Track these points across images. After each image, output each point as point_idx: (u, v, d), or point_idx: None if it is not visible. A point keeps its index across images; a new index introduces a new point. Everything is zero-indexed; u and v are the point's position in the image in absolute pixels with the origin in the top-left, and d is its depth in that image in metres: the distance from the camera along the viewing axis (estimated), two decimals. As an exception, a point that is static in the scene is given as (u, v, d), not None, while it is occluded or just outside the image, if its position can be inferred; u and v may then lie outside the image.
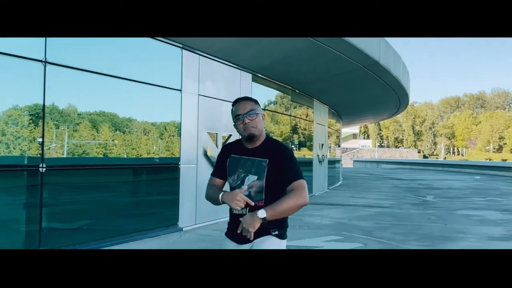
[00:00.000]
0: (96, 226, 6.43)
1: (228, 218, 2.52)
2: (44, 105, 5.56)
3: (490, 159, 77.19)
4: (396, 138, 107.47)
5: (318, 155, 15.26)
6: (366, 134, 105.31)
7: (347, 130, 73.81)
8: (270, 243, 2.35)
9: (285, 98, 12.74)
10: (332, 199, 13.29)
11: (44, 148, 5.68)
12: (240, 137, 2.49)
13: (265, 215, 2.16)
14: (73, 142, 6.45)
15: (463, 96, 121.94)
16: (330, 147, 18.30)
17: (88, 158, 6.67)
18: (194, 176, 7.84)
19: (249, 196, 2.35)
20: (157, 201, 7.76)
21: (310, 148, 14.80)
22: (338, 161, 22.14)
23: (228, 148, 2.55)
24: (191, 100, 7.87)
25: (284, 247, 2.41)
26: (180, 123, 7.73)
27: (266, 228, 2.34)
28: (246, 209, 2.35)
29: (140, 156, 7.48)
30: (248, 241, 2.35)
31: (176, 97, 7.63)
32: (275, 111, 12.29)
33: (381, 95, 15.16)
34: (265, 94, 11.56)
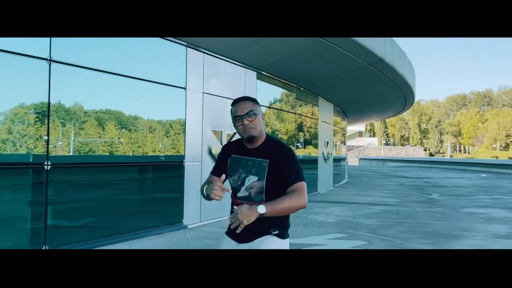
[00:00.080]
0: (101, 223, 6.46)
1: None
2: (49, 103, 5.58)
3: (496, 157, 76.77)
4: (402, 136, 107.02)
5: (323, 153, 15.23)
6: (372, 132, 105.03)
7: (352, 128, 73.62)
8: (271, 242, 2.32)
9: (290, 96, 12.72)
10: (337, 197, 13.27)
11: (51, 146, 5.71)
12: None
13: (265, 211, 2.12)
14: (79, 140, 6.48)
15: (470, 93, 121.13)
16: (335, 145, 18.26)
17: (94, 156, 6.70)
18: (199, 174, 7.85)
19: (249, 196, 2.33)
20: (162, 198, 7.78)
21: (316, 146, 14.76)
22: (344, 159, 22.09)
23: (229, 148, 2.53)
24: (195, 98, 7.88)
25: (286, 247, 2.39)
26: (185, 121, 7.74)
27: (266, 228, 2.33)
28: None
29: (146, 154, 7.51)
30: (248, 240, 2.34)
31: (181, 95, 7.64)
32: (280, 109, 12.27)
33: (387, 93, 15.10)
34: (270, 92, 11.55)
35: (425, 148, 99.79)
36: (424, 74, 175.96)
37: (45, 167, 5.47)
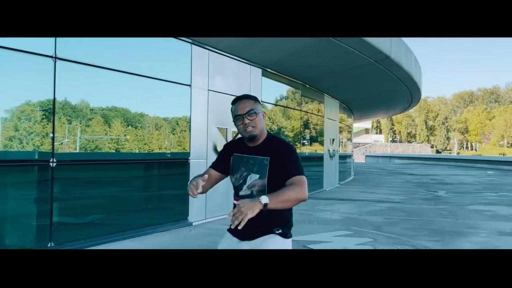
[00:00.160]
0: (107, 220, 6.48)
1: None
2: (54, 100, 5.60)
3: (504, 154, 76.24)
4: (408, 133, 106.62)
5: (329, 150, 15.19)
6: (378, 129, 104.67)
7: (359, 125, 73.40)
8: (274, 242, 2.30)
9: (296, 93, 12.69)
10: (342, 194, 13.24)
11: (57, 143, 5.73)
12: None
13: (267, 201, 2.05)
14: (85, 137, 6.50)
15: (477, 90, 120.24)
16: (341, 142, 18.21)
17: (100, 153, 6.72)
18: (204, 171, 7.84)
19: (251, 195, 2.31)
20: (168, 196, 7.79)
21: (321, 143, 14.73)
22: (350, 156, 22.03)
23: (231, 147, 2.51)
24: (200, 95, 7.88)
25: (289, 246, 2.37)
26: (190, 118, 7.74)
27: (269, 227, 2.32)
28: None
29: (152, 151, 7.52)
30: (250, 238, 2.33)
31: (187, 92, 7.64)
32: (286, 106, 12.25)
33: (393, 90, 15.03)
34: (275, 89, 11.52)
35: (432, 145, 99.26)
36: (430, 71, 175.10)
37: (51, 164, 5.49)
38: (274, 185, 2.26)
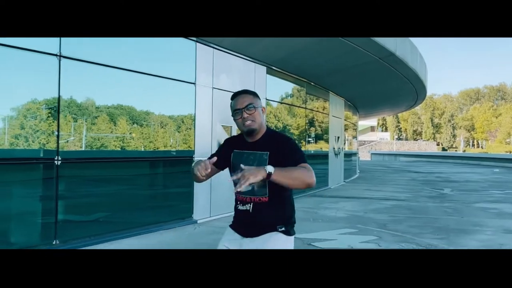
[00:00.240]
0: (112, 218, 6.50)
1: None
2: (59, 98, 5.61)
3: (510, 152, 75.74)
4: (414, 131, 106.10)
5: (334, 148, 15.16)
6: (384, 127, 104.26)
7: (364, 123, 73.11)
8: (277, 239, 2.29)
9: (301, 91, 12.67)
10: (348, 192, 13.21)
11: (63, 141, 5.76)
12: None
13: (273, 171, 2.03)
14: (91, 135, 6.52)
15: (483, 87, 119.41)
16: (346, 140, 18.17)
17: (106, 151, 6.74)
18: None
19: (252, 190, 2.30)
20: (173, 193, 7.81)
21: (326, 141, 14.70)
22: (355, 154, 21.98)
23: (232, 142, 2.49)
24: (205, 93, 7.88)
25: (291, 243, 2.35)
26: (194, 116, 7.74)
27: (272, 224, 2.31)
28: (250, 204, 2.32)
29: (157, 149, 7.54)
30: (253, 235, 2.32)
31: (192, 90, 7.65)
32: (291, 104, 12.24)
33: (398, 87, 14.97)
34: (280, 87, 11.51)
35: (438, 142, 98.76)
36: (436, 68, 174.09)
37: (55, 162, 5.51)
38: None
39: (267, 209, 2.31)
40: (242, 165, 2.09)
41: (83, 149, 6.34)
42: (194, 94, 7.67)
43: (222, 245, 2.41)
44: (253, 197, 2.32)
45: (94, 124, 6.49)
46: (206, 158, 2.26)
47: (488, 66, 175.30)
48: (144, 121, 7.36)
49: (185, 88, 7.60)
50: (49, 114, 5.64)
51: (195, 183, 7.46)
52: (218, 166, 2.43)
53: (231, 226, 2.47)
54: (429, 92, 18.83)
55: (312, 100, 13.46)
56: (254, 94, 2.39)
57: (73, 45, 5.67)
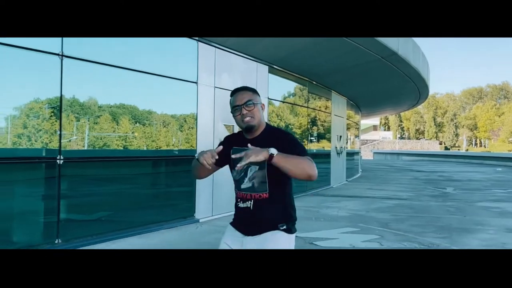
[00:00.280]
0: (114, 217, 6.51)
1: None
2: (61, 97, 5.62)
3: (513, 151, 75.46)
4: (417, 130, 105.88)
5: (336, 147, 15.14)
6: (386, 126, 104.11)
7: (367, 122, 73.00)
8: (279, 237, 2.28)
9: (304, 90, 12.66)
10: (350, 191, 13.20)
11: (65, 140, 5.76)
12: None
13: (276, 153, 2.04)
14: (93, 134, 6.53)
15: (486, 86, 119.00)
16: (349, 139, 18.14)
17: (108, 150, 6.74)
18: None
19: (252, 187, 2.30)
20: (175, 192, 7.82)
21: (329, 140, 14.67)
22: (357, 153, 21.95)
23: (231, 140, 2.48)
24: (207, 93, 7.88)
25: (292, 241, 2.34)
26: (196, 115, 7.74)
27: (274, 222, 2.30)
28: (251, 201, 2.31)
29: (160, 148, 7.54)
30: (254, 233, 2.32)
31: (194, 89, 7.65)
32: (293, 103, 12.23)
33: (400, 86, 14.94)
34: (282, 86, 11.49)
35: (440, 141, 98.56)
36: (438, 67, 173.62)
37: (58, 161, 5.52)
38: (275, 175, 2.24)
39: (267, 206, 2.30)
40: (249, 144, 2.11)
41: (85, 148, 6.35)
42: (196, 93, 7.67)
43: (224, 244, 2.40)
44: (253, 194, 2.31)
45: (96, 123, 6.50)
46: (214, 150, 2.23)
47: (491, 65, 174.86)
48: (147, 120, 7.37)
49: (187, 87, 7.60)
50: (52, 114, 5.64)
51: (197, 182, 7.48)
52: (218, 164, 2.41)
53: (231, 223, 2.46)
54: (431, 91, 18.79)
55: (314, 99, 13.44)
56: (253, 91, 2.38)
57: (75, 44, 5.67)
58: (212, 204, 7.88)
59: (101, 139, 6.71)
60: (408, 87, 15.21)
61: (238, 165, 2.04)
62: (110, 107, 6.83)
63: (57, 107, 5.60)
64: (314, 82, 12.79)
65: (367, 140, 77.29)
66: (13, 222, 5.36)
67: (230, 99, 2.38)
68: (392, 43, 9.66)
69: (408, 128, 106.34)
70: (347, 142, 17.31)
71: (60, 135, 5.58)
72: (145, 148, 7.37)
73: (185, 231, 6.88)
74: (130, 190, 6.96)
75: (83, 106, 6.28)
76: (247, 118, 2.30)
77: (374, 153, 58.54)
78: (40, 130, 5.63)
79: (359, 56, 9.93)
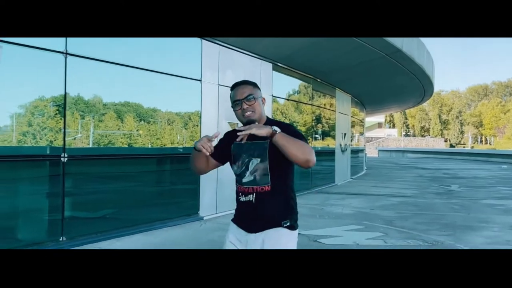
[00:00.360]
0: (119, 215, 6.51)
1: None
2: (65, 95, 5.61)
3: (519, 148, 75.04)
4: (422, 127, 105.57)
5: (340, 145, 15.09)
6: (391, 123, 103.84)
7: (372, 119, 72.87)
8: (281, 235, 2.25)
9: (308, 88, 12.62)
10: (354, 189, 13.16)
11: (70, 138, 5.77)
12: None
13: (279, 131, 2.07)
14: (98, 132, 6.54)
15: (491, 83, 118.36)
16: (353, 136, 18.08)
17: (113, 148, 6.75)
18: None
19: (254, 180, 2.27)
20: (179, 190, 7.81)
21: (333, 137, 14.64)
22: (362, 150, 21.87)
23: (230, 135, 2.41)
24: (211, 90, 7.85)
25: (295, 238, 2.32)
26: (200, 113, 7.72)
27: (275, 218, 2.28)
28: (253, 194, 2.28)
29: (164, 146, 7.54)
30: (257, 230, 2.29)
31: (198, 87, 7.63)
32: (298, 101, 12.19)
33: (405, 84, 14.87)
34: (286, 83, 11.46)
35: (446, 139, 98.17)
36: (443, 64, 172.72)
37: (62, 159, 5.52)
38: (276, 167, 2.22)
39: (269, 198, 2.26)
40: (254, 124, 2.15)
41: (90, 146, 6.36)
42: (200, 91, 7.65)
43: (228, 242, 2.36)
44: (255, 187, 2.27)
45: (101, 121, 6.51)
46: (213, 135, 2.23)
47: (496, 62, 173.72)
48: (151, 118, 7.37)
49: (192, 85, 7.58)
50: (57, 111, 5.64)
51: (201, 180, 7.47)
52: (219, 160, 2.39)
53: (233, 220, 2.41)
54: (436, 88, 18.69)
55: (319, 97, 13.39)
56: (254, 84, 2.36)
57: (79, 42, 5.66)
58: (216, 202, 7.87)
59: (106, 137, 6.72)
60: (413, 85, 15.13)
61: (239, 133, 2.07)
62: (115, 105, 6.84)
63: (62, 105, 5.60)
64: (318, 80, 12.74)
65: (372, 137, 77.13)
66: (18, 220, 5.37)
67: (231, 93, 2.35)
68: (397, 40, 9.60)
69: (413, 126, 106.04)
70: (351, 140, 17.25)
71: (64, 133, 5.58)
72: (149, 146, 7.37)
73: (189, 228, 6.87)
74: (135, 188, 6.96)
75: (88, 104, 6.29)
76: (248, 113, 2.28)
77: (379, 150, 58.41)
78: (45, 128, 5.64)
79: (364, 54, 9.88)
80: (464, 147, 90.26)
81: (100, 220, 6.21)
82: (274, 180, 2.26)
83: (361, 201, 10.32)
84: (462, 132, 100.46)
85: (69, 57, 5.52)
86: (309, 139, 12.50)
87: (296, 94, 12.39)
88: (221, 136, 2.43)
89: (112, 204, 6.46)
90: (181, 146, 7.76)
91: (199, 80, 7.61)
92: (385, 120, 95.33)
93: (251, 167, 2.28)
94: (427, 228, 6.93)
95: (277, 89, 10.23)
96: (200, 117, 7.72)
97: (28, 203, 5.49)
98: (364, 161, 22.51)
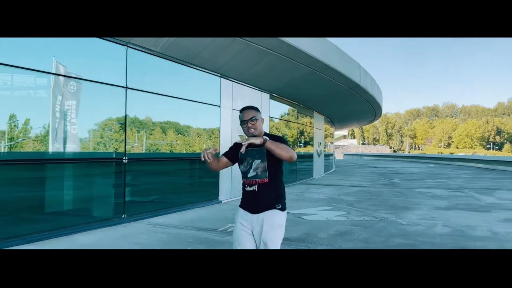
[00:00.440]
0: (163, 199, 6.49)
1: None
2: (126, 117, 5.61)
3: (441, 153, 74.60)
4: (374, 138, 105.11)
5: (317, 150, 15.04)
6: (353, 135, 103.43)
7: (339, 133, 72.51)
8: (276, 214, 2.25)
9: (294, 111, 12.59)
10: (326, 181, 13.07)
11: (129, 146, 5.76)
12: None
13: (267, 139, 2.12)
14: (149, 142, 6.54)
15: (422, 108, 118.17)
16: (326, 144, 18.01)
17: (159, 153, 6.75)
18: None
19: (256, 175, 2.26)
20: (205, 182, 7.77)
21: (312, 145, 14.60)
22: (332, 154, 21.76)
23: (238, 145, 2.45)
24: (227, 113, 7.85)
25: (285, 216, 2.30)
26: (220, 129, 7.72)
27: (272, 203, 2.26)
28: (256, 185, 2.26)
29: (195, 151, 7.53)
30: (258, 211, 2.27)
31: (217, 111, 7.64)
32: (287, 120, 12.17)
33: (362, 108, 14.84)
34: (279, 108, 11.44)
35: (390, 146, 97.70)
36: (389, 92, 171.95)
37: (124, 161, 5.53)
38: (272, 165, 2.23)
39: (267, 188, 2.25)
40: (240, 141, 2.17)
41: (143, 151, 6.36)
42: (219, 113, 7.66)
43: (238, 222, 2.33)
44: (257, 180, 2.26)
45: (151, 134, 6.51)
46: (212, 149, 2.20)
47: (426, 91, 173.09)
48: (186, 132, 7.37)
49: (214, 109, 7.59)
50: (120, 128, 5.66)
51: (220, 174, 7.44)
52: (231, 160, 2.40)
53: (241, 206, 2.39)
54: (384, 111, 18.60)
55: (302, 117, 13.36)
56: (256, 109, 2.35)
57: (135, 79, 5.68)
58: (230, 190, 7.83)
59: (154, 145, 6.71)
60: (367, 108, 15.09)
61: (243, 143, 2.10)
62: (161, 123, 6.84)
63: (123, 123, 5.62)
64: (301, 105, 12.72)
65: (339, 145, 76.75)
66: (93, 202, 5.37)
67: (240, 115, 2.35)
68: (356, 77, 9.59)
69: (368, 137, 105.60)
70: (325, 147, 17.18)
71: (125, 142, 5.59)
72: (184, 152, 7.36)
73: (212, 209, 6.84)
74: (174, 180, 6.95)
75: (141, 123, 6.30)
76: (251, 130, 2.28)
77: (344, 154, 58.09)
78: (112, 139, 5.65)
79: (333, 87, 9.88)
80: (403, 152, 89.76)
81: (150, 203, 6.19)
82: (271, 174, 2.25)
83: (331, 189, 10.24)
84: (402, 142, 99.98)
85: (128, 90, 5.55)
86: (294, 147, 12.45)
87: (286, 115, 12.36)
88: (230, 144, 2.45)
89: (158, 192, 6.44)
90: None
91: (219, 106, 7.62)
92: (348, 133, 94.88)
93: (254, 165, 2.28)
94: (377, 208, 6.87)
95: (273, 111, 10.22)
96: (219, 131, 7.72)
97: (100, 191, 5.48)
98: (334, 162, 22.38)
